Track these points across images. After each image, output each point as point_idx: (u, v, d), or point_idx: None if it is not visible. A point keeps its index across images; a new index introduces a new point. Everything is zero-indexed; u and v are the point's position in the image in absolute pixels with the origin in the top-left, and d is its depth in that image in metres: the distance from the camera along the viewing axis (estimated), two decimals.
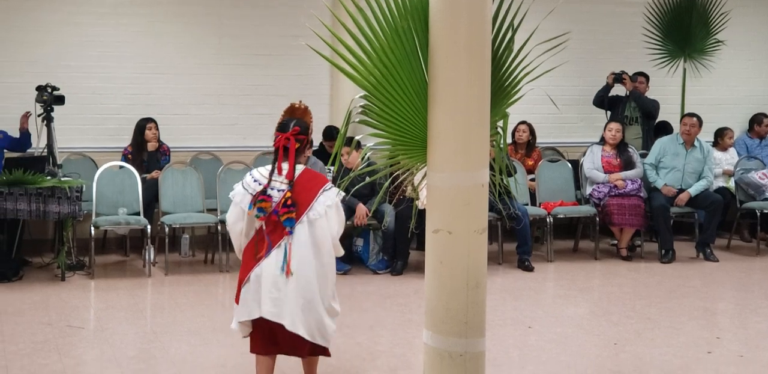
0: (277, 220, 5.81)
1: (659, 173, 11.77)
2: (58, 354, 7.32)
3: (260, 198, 5.81)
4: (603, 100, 13.01)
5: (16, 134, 11.14)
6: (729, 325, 8.92)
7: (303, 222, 5.82)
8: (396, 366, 7.19)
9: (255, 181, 5.93)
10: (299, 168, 5.93)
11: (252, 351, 6.10)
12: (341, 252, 6.13)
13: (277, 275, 5.79)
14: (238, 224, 5.99)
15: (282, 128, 5.96)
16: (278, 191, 5.85)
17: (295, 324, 5.79)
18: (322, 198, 5.87)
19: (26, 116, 10.92)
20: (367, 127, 4.89)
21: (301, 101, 6.15)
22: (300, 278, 5.80)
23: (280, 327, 5.82)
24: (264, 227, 5.87)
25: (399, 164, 5.04)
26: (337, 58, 4.79)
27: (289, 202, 5.79)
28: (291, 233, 5.80)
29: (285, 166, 5.89)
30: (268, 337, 5.97)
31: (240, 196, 5.94)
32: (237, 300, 5.98)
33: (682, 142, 11.78)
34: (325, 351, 6.10)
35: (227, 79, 12.44)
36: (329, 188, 5.93)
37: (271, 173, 5.90)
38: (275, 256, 5.81)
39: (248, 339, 6.11)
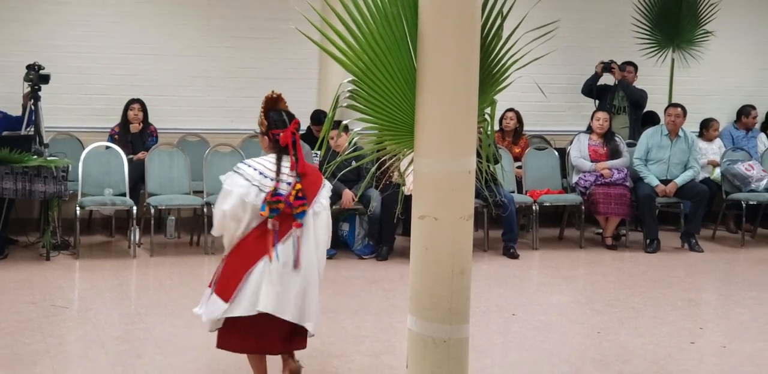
0: (290, 212, 5.64)
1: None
2: (41, 333, 7.32)
3: (274, 199, 5.60)
4: (591, 89, 13.04)
5: (13, 112, 11.10)
6: (712, 316, 8.96)
7: (308, 214, 5.71)
8: (380, 350, 7.20)
9: (260, 173, 5.71)
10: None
11: (224, 347, 5.91)
12: (328, 245, 6.00)
13: (281, 269, 5.62)
14: (239, 216, 5.72)
15: (281, 124, 5.77)
16: (287, 184, 5.68)
17: (293, 314, 5.66)
18: (323, 191, 5.81)
19: (27, 94, 10.81)
20: (354, 112, 4.88)
21: (273, 91, 5.99)
22: (303, 271, 5.68)
23: (259, 323, 5.68)
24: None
25: (386, 149, 5.04)
26: (327, 42, 4.78)
27: (300, 194, 5.65)
28: (302, 225, 5.68)
29: (290, 159, 5.74)
30: (243, 333, 5.80)
31: (244, 188, 5.67)
32: (227, 296, 5.68)
33: (666, 132, 11.80)
34: (301, 344, 5.94)
35: (215, 61, 12.43)
36: (326, 183, 5.89)
37: (279, 170, 5.70)
38: (282, 250, 5.63)
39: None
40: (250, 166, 5.77)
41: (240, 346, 5.90)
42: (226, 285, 5.71)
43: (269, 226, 5.64)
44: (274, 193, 5.63)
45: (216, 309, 5.72)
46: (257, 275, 5.63)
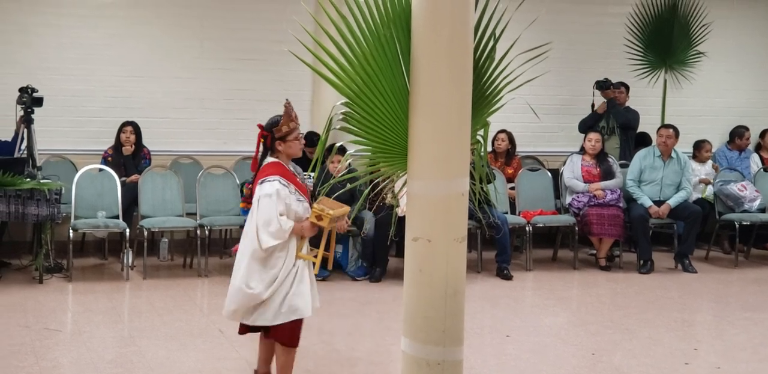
0: None
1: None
2: (34, 356, 7.29)
3: None
4: (589, 127, 12.89)
5: (5, 135, 11.05)
6: (706, 337, 8.94)
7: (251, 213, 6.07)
8: (374, 373, 7.18)
9: None
10: (266, 161, 6.17)
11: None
12: (263, 245, 6.01)
13: None
14: None
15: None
16: None
17: (228, 312, 6.21)
18: (257, 190, 6.00)
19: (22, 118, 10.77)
20: (347, 134, 4.88)
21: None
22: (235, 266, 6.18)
23: None
24: None
25: (379, 171, 5.03)
26: (319, 64, 4.79)
27: (246, 192, 6.29)
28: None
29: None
30: None
31: None
32: None
33: (659, 154, 11.81)
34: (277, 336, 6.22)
35: (208, 83, 12.42)
36: (266, 181, 5.99)
37: None
38: None
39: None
40: None
41: None
42: None
43: None
44: None
45: None
46: None
